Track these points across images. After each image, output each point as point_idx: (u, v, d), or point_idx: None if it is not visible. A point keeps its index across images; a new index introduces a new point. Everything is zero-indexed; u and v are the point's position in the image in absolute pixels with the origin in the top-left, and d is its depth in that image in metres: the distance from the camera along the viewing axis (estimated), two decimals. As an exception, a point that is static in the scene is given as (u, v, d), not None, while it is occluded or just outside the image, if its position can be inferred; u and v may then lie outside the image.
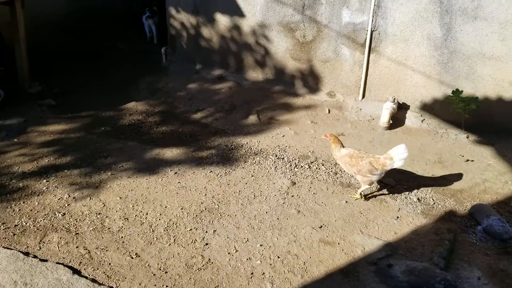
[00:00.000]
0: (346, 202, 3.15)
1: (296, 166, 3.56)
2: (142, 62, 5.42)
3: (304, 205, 3.10)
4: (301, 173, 3.46)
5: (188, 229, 2.83)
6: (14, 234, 2.70)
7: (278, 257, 2.61)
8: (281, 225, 2.90)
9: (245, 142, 3.91)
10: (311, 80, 4.69)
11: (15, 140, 3.71)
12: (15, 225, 2.78)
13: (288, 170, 3.50)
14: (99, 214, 2.91)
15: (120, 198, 3.07)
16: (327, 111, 4.45)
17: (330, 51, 4.50)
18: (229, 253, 2.64)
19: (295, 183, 3.34)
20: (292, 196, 3.19)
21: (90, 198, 3.05)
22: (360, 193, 3.19)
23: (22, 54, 4.34)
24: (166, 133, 4.02)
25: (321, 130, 4.07)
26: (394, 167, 3.06)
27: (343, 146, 3.19)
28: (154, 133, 4.02)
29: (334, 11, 4.34)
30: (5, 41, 4.81)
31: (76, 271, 2.42)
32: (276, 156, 3.70)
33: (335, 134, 3.30)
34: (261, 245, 2.71)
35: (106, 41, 5.81)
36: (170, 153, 3.68)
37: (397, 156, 3.03)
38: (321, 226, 2.89)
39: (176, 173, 3.41)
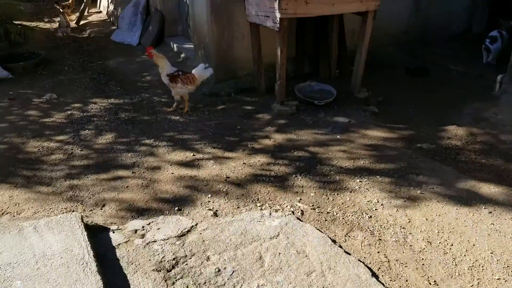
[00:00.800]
0: None
1: None
2: (471, 87, 5.10)
3: None
4: None
5: (496, 278, 2.51)
6: (325, 220, 2.98)
7: None
8: None
9: None
10: None
11: (338, 136, 4.08)
12: (327, 212, 3.05)
13: None
14: (403, 228, 2.90)
15: (426, 219, 2.98)
16: None
17: None
18: (546, 326, 2.21)
19: None
20: None
21: (397, 210, 3.07)
22: None
23: (361, 61, 4.71)
24: (485, 167, 3.67)
25: None
26: None
27: None
28: (471, 163, 3.72)
29: None
30: (347, 48, 5.33)
31: (374, 275, 2.48)
32: None
33: None
34: None
35: (436, 59, 5.71)
36: (487, 189, 3.33)
37: None
38: None
39: (490, 212, 3.07)
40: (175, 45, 6.18)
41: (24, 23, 7.96)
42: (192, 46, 5.90)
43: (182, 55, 5.92)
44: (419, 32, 6.19)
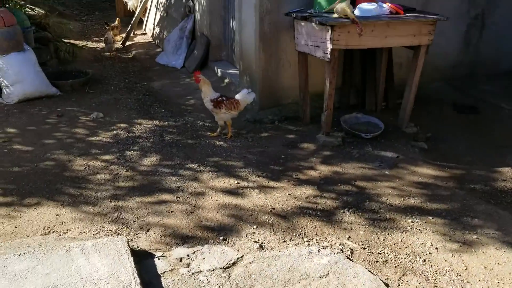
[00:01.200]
0: None
1: None
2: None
3: None
4: None
5: None
6: (376, 261, 2.84)
7: None
8: None
9: None
10: None
11: (386, 172, 3.95)
12: (378, 253, 2.92)
13: None
14: (460, 275, 2.73)
15: (485, 268, 2.80)
16: None
17: None
18: None
19: None
20: None
21: (453, 255, 2.90)
22: None
23: (410, 95, 4.60)
24: (545, 214, 3.47)
25: None
26: None
27: None
28: (529, 208, 3.53)
29: None
30: (394, 81, 5.22)
31: (432, 326, 2.33)
32: None
33: None
34: None
35: (486, 96, 5.53)
36: (549, 238, 3.13)
37: None
38: None
39: (554, 264, 2.87)
40: (219, 70, 6.22)
41: (73, 41, 8.21)
42: (236, 71, 5.92)
43: (226, 80, 5.94)
44: (467, 68, 6.03)
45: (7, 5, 6.62)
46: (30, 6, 8.49)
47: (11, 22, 5.60)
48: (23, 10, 7.20)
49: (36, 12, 8.46)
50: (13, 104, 5.40)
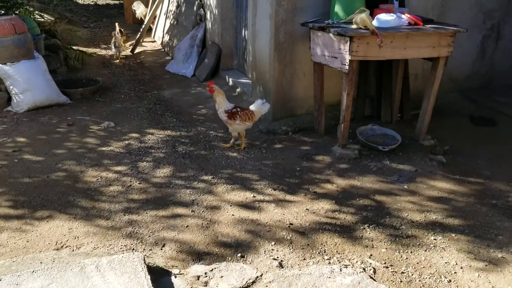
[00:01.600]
0: None
1: None
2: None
3: None
4: None
5: None
6: (400, 281, 2.74)
7: None
8: None
9: None
10: None
11: (405, 186, 3.85)
12: (402, 272, 2.82)
13: None
14: (488, 297, 2.64)
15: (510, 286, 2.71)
16: None
17: None
18: None
19: None
20: None
21: (478, 275, 2.80)
22: None
23: (428, 107, 4.51)
24: None
25: None
26: None
27: None
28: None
29: None
30: (410, 92, 5.14)
31: None
32: None
33: None
34: None
35: (502, 109, 5.43)
36: None
37: None
38: None
39: None
40: (230, 79, 6.15)
41: (82, 48, 8.18)
42: (248, 80, 5.86)
43: (238, 90, 5.87)
44: (483, 79, 5.93)
45: (16, 12, 6.58)
46: (39, 13, 8.47)
47: (22, 30, 5.56)
48: (32, 17, 7.17)
49: (45, 19, 8.43)
50: (23, 112, 5.35)
